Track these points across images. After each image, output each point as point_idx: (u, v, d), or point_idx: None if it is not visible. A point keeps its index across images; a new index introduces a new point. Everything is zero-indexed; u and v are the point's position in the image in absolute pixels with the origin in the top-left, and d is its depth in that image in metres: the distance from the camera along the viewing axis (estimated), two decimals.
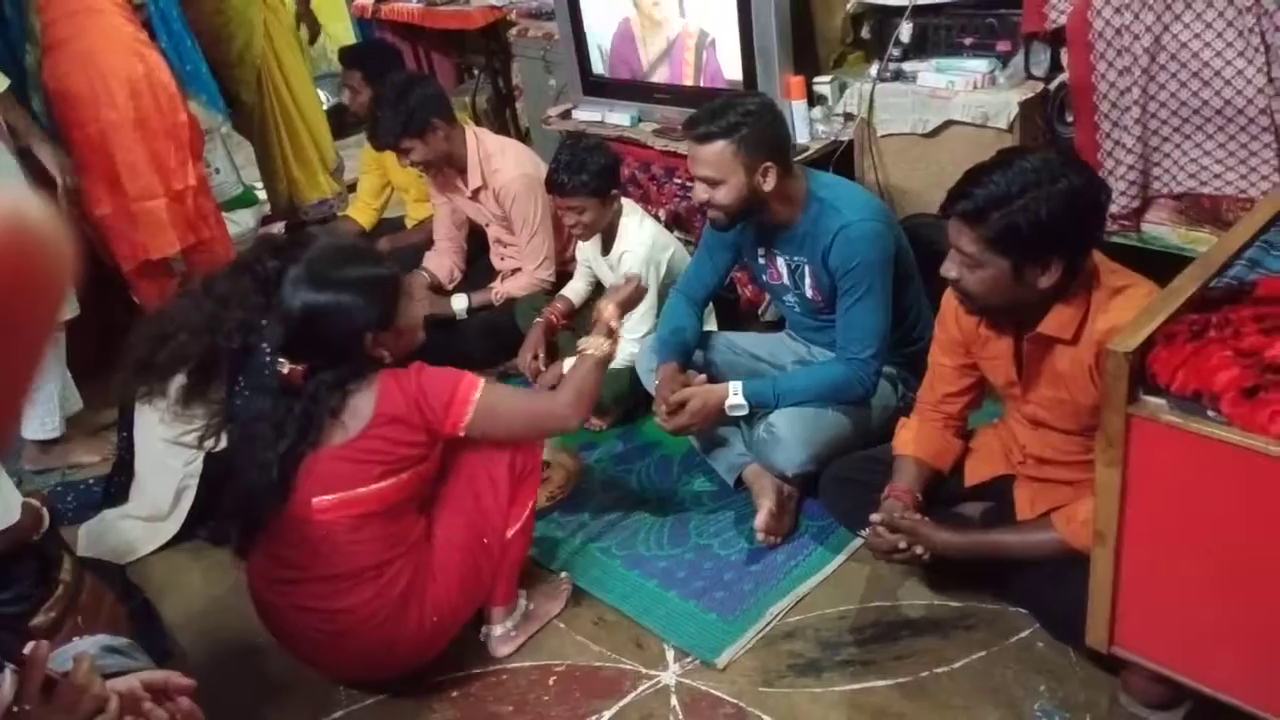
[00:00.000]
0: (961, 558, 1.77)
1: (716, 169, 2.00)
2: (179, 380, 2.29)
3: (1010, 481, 1.87)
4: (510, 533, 1.90)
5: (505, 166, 2.82)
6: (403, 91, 2.79)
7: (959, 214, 1.57)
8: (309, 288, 1.72)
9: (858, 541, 2.04)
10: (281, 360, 1.74)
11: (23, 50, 2.89)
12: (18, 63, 2.87)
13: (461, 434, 1.77)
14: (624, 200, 2.61)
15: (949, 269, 1.63)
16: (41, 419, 2.74)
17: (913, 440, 1.92)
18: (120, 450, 2.55)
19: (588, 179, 2.46)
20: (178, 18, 3.27)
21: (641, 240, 2.56)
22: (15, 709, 1.00)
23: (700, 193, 2.06)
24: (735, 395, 2.13)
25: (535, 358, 2.71)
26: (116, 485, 2.54)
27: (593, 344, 1.89)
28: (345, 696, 1.94)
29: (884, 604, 1.94)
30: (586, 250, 2.76)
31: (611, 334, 1.92)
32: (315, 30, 4.17)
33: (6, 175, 2.50)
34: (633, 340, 2.52)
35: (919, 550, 1.75)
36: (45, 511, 1.80)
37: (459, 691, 1.91)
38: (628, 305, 2.03)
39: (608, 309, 1.95)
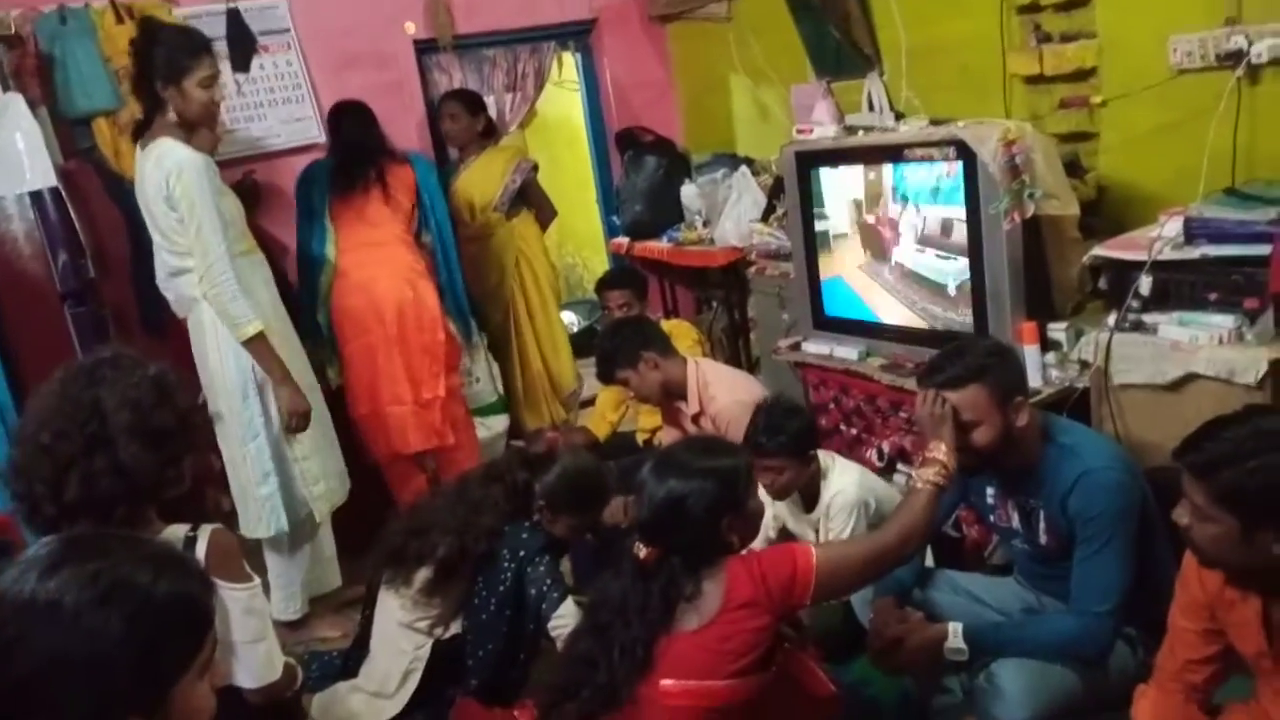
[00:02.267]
0: None
1: (973, 413, 2.01)
2: (424, 572, 2.51)
3: None
4: None
5: (721, 394, 3.01)
6: (616, 330, 3.17)
7: (1188, 466, 1.54)
8: (674, 476, 1.87)
9: None
10: (638, 544, 1.88)
11: (320, 274, 3.44)
12: (313, 288, 3.42)
13: (809, 602, 1.84)
14: (819, 453, 2.67)
15: (1180, 515, 1.59)
16: (285, 602, 3.02)
17: (1152, 711, 1.79)
18: (361, 627, 2.74)
19: (786, 440, 2.52)
20: (455, 256, 3.76)
21: (848, 482, 2.60)
22: None
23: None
24: (955, 637, 2.05)
25: None
26: (353, 659, 2.71)
27: (922, 476, 1.93)
28: None
29: None
30: (781, 509, 2.75)
31: (944, 468, 1.94)
32: (550, 216, 4.47)
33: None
34: None
35: None
36: (300, 671, 1.97)
37: None
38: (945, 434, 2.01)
39: (939, 448, 1.97)
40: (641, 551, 1.86)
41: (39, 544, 1.12)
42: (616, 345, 3.11)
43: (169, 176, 2.64)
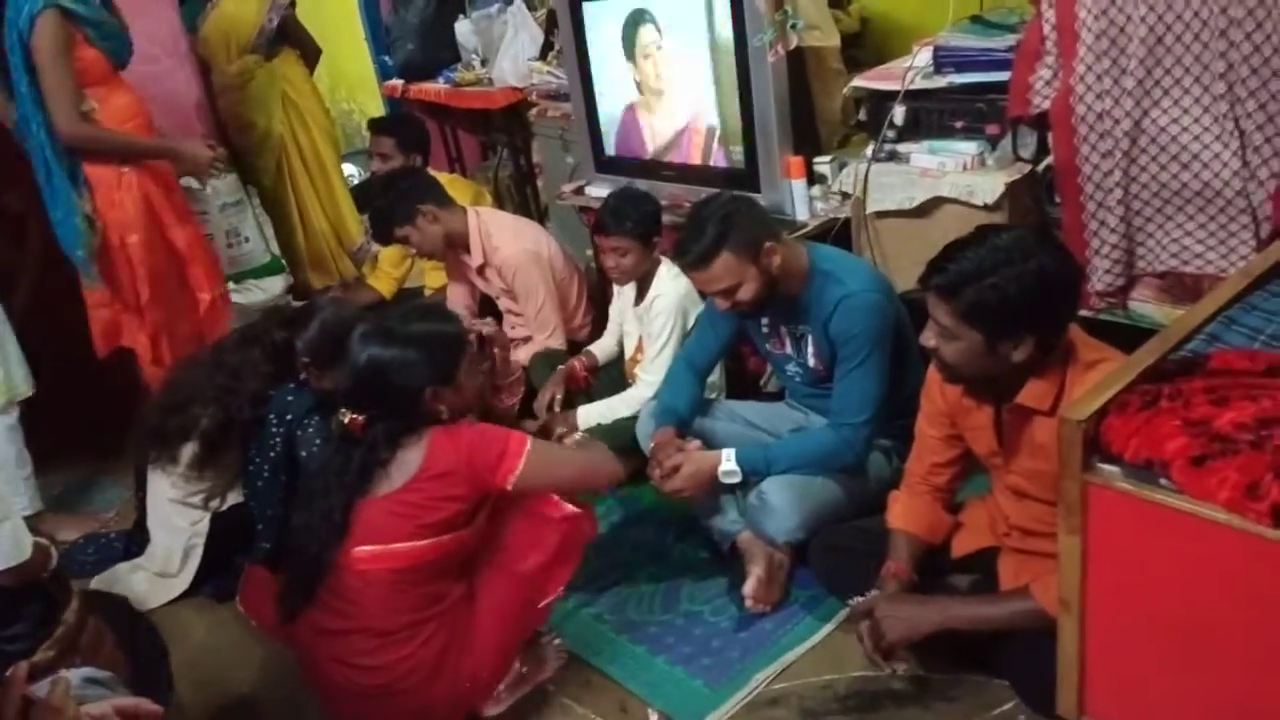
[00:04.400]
0: (944, 629, 1.77)
1: (729, 278, 2.08)
2: (190, 448, 2.39)
3: (997, 553, 1.90)
4: (543, 603, 1.96)
5: (504, 244, 2.96)
6: (387, 186, 3.01)
7: (933, 288, 1.63)
8: (376, 342, 1.81)
9: (846, 610, 2.05)
10: (344, 410, 1.83)
11: None
12: None
13: (510, 487, 1.82)
14: (663, 259, 2.70)
15: (928, 338, 1.69)
16: (13, 498, 2.69)
17: (904, 514, 1.95)
18: (137, 510, 2.62)
19: (632, 224, 2.57)
20: (43, 134, 2.67)
21: (675, 289, 2.63)
22: None
23: (722, 304, 2.14)
24: (728, 462, 2.16)
25: (551, 402, 2.78)
26: (135, 542, 2.61)
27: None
28: None
29: (869, 674, 1.94)
30: (618, 304, 2.85)
31: None
32: (315, 55, 4.13)
33: None
34: (649, 384, 2.60)
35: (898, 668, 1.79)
36: (54, 550, 1.86)
37: None
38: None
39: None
40: (346, 418, 1.82)
41: None
42: (391, 201, 2.95)
43: None
